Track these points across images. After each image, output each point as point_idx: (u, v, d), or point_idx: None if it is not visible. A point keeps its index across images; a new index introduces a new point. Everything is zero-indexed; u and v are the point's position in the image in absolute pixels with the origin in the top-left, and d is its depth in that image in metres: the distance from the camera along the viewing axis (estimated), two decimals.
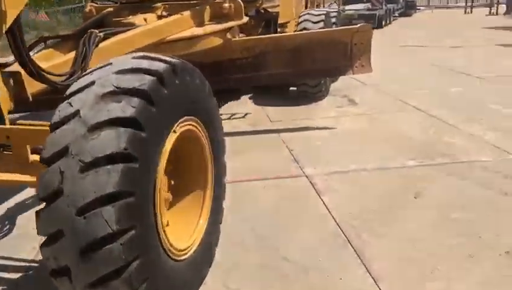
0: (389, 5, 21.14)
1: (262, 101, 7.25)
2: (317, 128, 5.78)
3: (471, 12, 27.94)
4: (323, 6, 18.15)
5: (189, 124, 2.42)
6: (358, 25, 5.45)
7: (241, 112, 6.64)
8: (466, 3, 28.81)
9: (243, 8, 4.66)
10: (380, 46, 14.01)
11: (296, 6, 8.82)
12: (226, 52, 5.19)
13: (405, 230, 3.16)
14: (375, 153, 4.75)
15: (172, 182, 2.53)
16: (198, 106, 2.50)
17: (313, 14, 6.83)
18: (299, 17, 6.92)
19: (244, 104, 7.23)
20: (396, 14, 25.67)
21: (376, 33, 17.90)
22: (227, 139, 5.44)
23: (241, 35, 5.28)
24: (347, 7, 19.62)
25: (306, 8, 10.58)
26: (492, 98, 6.80)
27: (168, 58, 2.28)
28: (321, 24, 6.62)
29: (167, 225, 2.55)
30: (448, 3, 36.63)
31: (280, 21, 7.43)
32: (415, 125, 5.67)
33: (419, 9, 33.06)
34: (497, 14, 25.78)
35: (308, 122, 6.03)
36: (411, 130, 5.47)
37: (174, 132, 2.24)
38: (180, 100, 2.28)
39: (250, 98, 7.53)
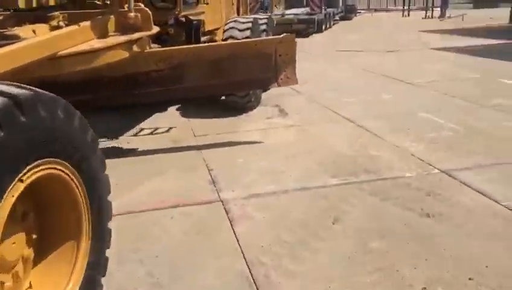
0: (328, 9, 21.29)
1: (190, 112, 6.87)
2: (243, 143, 5.47)
3: (409, 15, 28.78)
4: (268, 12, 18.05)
5: (50, 168, 2.01)
6: (282, 36, 5.19)
7: (164, 126, 6.23)
8: (403, 6, 29.66)
9: (151, 17, 4.26)
10: (318, 51, 14.05)
11: (226, 12, 8.52)
12: (140, 64, 4.78)
13: (319, 266, 2.89)
14: (299, 171, 4.50)
15: (34, 236, 2.12)
16: (62, 144, 2.09)
17: (239, 22, 6.52)
18: (225, 24, 6.60)
19: (170, 116, 6.82)
20: (337, 18, 25.98)
21: (315, 37, 18.09)
22: (144, 159, 5.09)
23: (154, 46, 4.87)
24: (287, 11, 19.55)
25: (238, 13, 10.31)
26: (422, 106, 6.77)
27: (11, 90, 1.86)
28: (248, 32, 6.32)
29: (29, 287, 2.14)
30: (387, 6, 37.67)
31: (207, 28, 7.09)
32: (343, 138, 5.48)
33: (359, 12, 33.70)
34: (432, 17, 26.69)
35: (234, 137, 5.71)
36: (338, 143, 5.28)
37: (21, 181, 1.83)
38: (30, 142, 1.86)
39: (177, 110, 7.13)
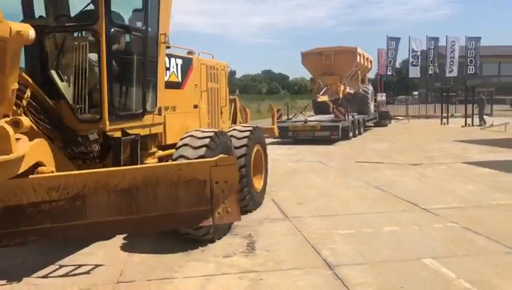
0: (357, 116, 20.30)
1: (136, 243, 5.56)
2: None
3: (448, 123, 27.30)
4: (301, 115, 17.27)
5: None
6: (217, 157, 3.97)
7: (90, 264, 4.91)
8: (442, 113, 28.35)
9: (11, 138, 3.17)
10: (335, 161, 12.70)
11: (210, 121, 7.55)
12: (24, 193, 3.63)
13: None
14: None
15: None
16: None
17: (195, 136, 5.37)
18: (180, 139, 5.46)
19: (109, 247, 5.49)
20: (371, 124, 24.98)
21: (339, 145, 16.84)
22: None
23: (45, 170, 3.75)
24: (309, 118, 18.67)
25: (234, 122, 9.36)
26: (431, 247, 5.17)
27: None
28: (202, 151, 5.11)
29: None
30: (427, 113, 36.47)
31: (170, 142, 6.04)
32: None
33: (397, 119, 32.70)
34: (472, 125, 25.15)
35: (164, 287, 4.29)
36: None
37: None
38: None
39: (125, 238, 5.81)
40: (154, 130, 5.45)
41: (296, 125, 17.82)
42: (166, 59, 5.89)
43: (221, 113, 8.39)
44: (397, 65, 44.55)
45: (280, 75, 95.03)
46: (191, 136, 5.36)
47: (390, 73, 37.51)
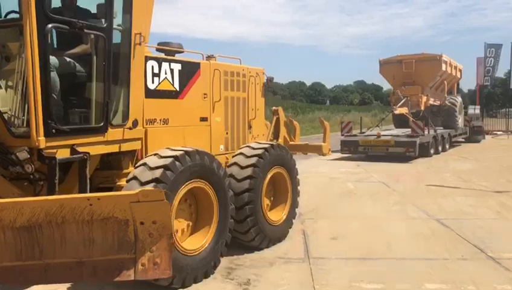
0: (441, 131, 18.00)
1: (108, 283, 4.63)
2: None
3: None
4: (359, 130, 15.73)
5: None
6: (139, 190, 2.89)
7: None
8: None
9: None
10: (403, 183, 10.92)
11: (234, 131, 6.54)
12: None
13: None
14: None
15: None
16: None
17: (147, 166, 4.06)
18: (135, 167, 4.27)
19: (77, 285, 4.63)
20: (462, 140, 22.33)
21: (415, 163, 14.82)
22: None
23: None
24: (383, 132, 16.85)
25: (277, 136, 8.16)
26: None
27: None
28: (151, 185, 3.81)
29: None
30: None
31: None
32: None
33: (496, 134, 29.22)
34: None
35: None
36: None
37: None
38: None
39: None
40: (126, 147, 4.48)
41: (367, 139, 16.15)
42: (155, 64, 4.97)
43: (250, 127, 7.28)
44: (502, 75, 40.32)
45: (373, 86, 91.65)
46: (144, 164, 4.13)
47: (488, 83, 33.76)
